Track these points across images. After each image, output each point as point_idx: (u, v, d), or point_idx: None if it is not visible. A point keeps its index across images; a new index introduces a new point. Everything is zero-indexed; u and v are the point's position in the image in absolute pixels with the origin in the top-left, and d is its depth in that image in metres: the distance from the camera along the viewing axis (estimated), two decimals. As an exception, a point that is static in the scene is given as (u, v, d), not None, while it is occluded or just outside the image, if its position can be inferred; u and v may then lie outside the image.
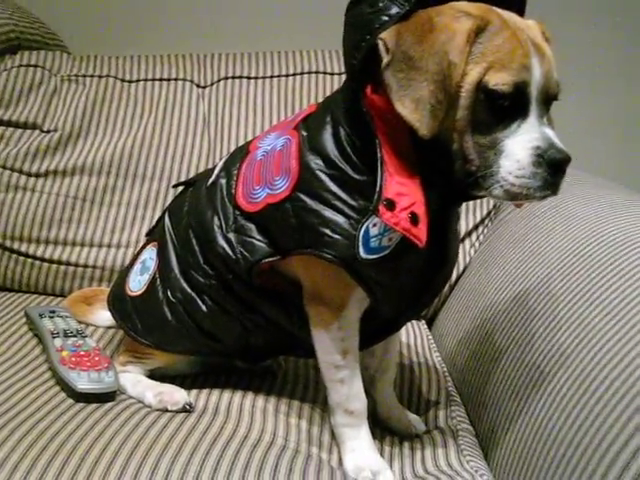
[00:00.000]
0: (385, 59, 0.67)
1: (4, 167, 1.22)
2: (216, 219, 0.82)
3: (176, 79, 1.28)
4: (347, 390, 0.80)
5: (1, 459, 0.69)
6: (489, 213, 1.26)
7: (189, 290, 0.84)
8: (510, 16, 0.70)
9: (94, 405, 0.82)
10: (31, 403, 0.81)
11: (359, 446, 0.80)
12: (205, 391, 0.89)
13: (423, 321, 1.24)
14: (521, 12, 0.75)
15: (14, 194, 1.21)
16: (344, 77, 0.78)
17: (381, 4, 0.68)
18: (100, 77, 1.27)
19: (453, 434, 0.88)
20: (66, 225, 1.20)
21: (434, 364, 1.07)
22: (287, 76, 1.30)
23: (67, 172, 1.21)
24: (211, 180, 0.86)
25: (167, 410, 0.83)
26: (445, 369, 1.07)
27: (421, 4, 0.69)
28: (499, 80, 0.65)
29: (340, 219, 0.72)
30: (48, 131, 1.23)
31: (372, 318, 0.81)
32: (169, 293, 0.86)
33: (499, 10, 0.70)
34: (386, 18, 0.67)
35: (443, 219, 0.76)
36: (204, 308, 0.84)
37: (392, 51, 0.66)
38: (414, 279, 0.78)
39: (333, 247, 0.72)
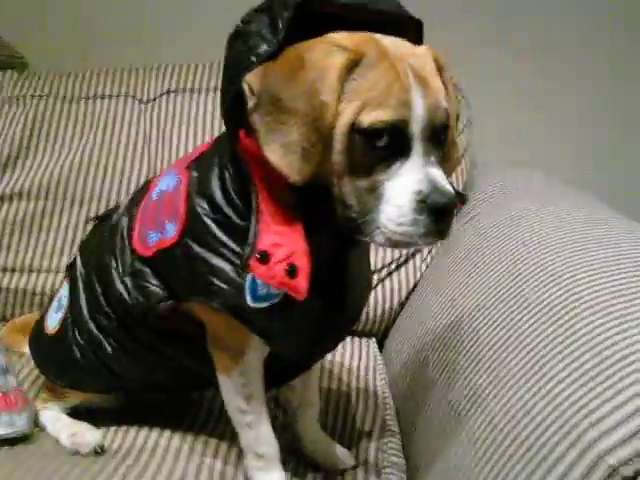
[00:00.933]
0: (250, 102, 0.63)
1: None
2: (114, 262, 0.80)
3: (118, 95, 1.25)
4: (255, 434, 0.77)
5: None
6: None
7: (96, 332, 0.82)
8: (394, 45, 0.64)
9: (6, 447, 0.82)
10: None
11: None
12: (123, 428, 0.88)
13: (373, 339, 1.21)
14: (419, 37, 0.71)
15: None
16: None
17: (251, 42, 0.64)
18: (41, 96, 1.24)
19: (378, 471, 0.86)
20: (4, 252, 1.19)
21: (375, 389, 1.03)
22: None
23: (5, 197, 1.19)
24: (114, 219, 0.84)
25: (78, 452, 0.82)
26: (387, 394, 1.03)
27: (296, 39, 0.65)
28: (374, 119, 0.60)
29: (226, 267, 0.68)
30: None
31: (278, 359, 0.78)
32: (77, 334, 0.84)
33: (382, 38, 0.64)
34: (253, 58, 0.63)
35: (340, 263, 0.73)
36: (109, 350, 0.82)
37: (257, 93, 0.62)
38: (313, 324, 0.74)
39: (220, 296, 0.69)
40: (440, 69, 0.67)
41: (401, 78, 0.61)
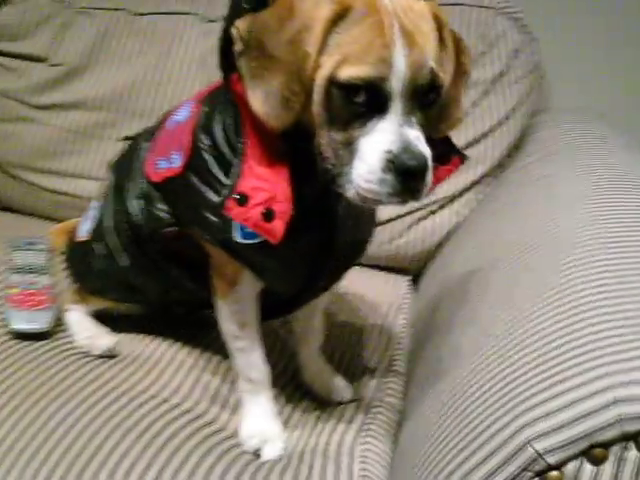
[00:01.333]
0: (237, 47, 0.63)
1: (11, 98, 1.28)
2: (130, 183, 0.84)
3: (188, 13, 1.27)
4: (246, 359, 0.81)
5: None
6: (480, 178, 1.18)
7: (112, 244, 0.87)
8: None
9: (28, 343, 0.89)
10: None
11: (256, 412, 0.81)
12: (137, 337, 0.94)
13: (408, 277, 1.20)
14: None
15: (20, 124, 1.28)
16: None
17: None
18: (110, 10, 1.28)
19: (369, 409, 0.87)
20: (66, 157, 1.26)
21: (391, 328, 1.05)
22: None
23: (69, 106, 1.26)
24: (138, 142, 0.87)
25: (91, 354, 0.89)
26: (404, 334, 1.04)
27: None
28: (351, 74, 0.60)
29: (218, 202, 0.70)
30: (54, 65, 1.27)
31: (274, 293, 0.80)
32: (98, 245, 0.89)
33: None
34: (246, 5, 0.64)
35: (328, 208, 0.72)
36: (124, 263, 0.86)
37: (245, 39, 0.63)
38: (303, 264, 0.75)
39: (211, 229, 0.71)
40: (440, 26, 0.65)
41: (385, 34, 0.60)
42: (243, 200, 0.65)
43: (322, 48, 0.60)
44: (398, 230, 1.18)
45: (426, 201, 1.16)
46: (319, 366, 0.91)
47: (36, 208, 1.30)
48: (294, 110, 0.62)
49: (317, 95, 0.61)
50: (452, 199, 1.17)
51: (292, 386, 0.90)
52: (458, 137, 1.07)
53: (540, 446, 0.52)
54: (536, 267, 0.77)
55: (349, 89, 0.60)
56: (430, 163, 0.61)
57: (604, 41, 1.32)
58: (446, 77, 0.65)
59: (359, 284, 1.11)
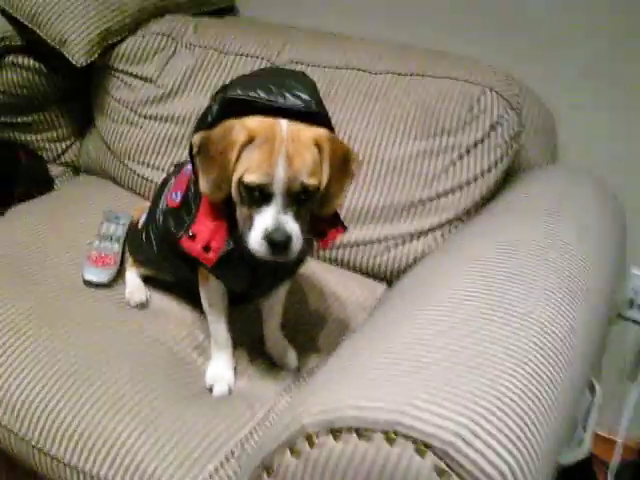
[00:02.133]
0: (194, 151, 1.01)
1: (127, 107, 1.73)
2: (160, 202, 1.23)
3: (261, 57, 1.63)
4: (214, 327, 1.21)
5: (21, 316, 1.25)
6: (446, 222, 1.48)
7: (149, 235, 1.29)
8: (289, 129, 0.97)
9: (93, 289, 1.36)
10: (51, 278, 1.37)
11: (217, 362, 1.22)
12: (164, 295, 1.37)
13: (384, 284, 1.52)
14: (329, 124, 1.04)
15: (130, 127, 1.73)
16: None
17: (203, 117, 1.03)
18: (204, 47, 1.69)
19: (301, 376, 1.25)
20: (159, 156, 1.69)
21: (349, 321, 1.39)
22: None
23: (165, 119, 1.68)
24: (171, 176, 1.27)
25: (129, 304, 1.33)
26: (356, 325, 1.38)
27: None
28: (249, 180, 0.96)
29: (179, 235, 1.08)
30: (159, 86, 1.70)
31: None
32: (143, 235, 1.31)
33: (283, 123, 0.97)
34: (202, 125, 1.02)
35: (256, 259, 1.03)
36: (155, 251, 1.28)
37: (198, 146, 1.00)
38: (243, 280, 1.14)
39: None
40: (320, 151, 0.99)
41: (273, 156, 0.95)
42: (193, 237, 1.05)
43: (237, 159, 0.97)
44: (377, 250, 1.50)
45: (407, 230, 1.49)
46: (277, 339, 1.29)
47: (134, 188, 1.76)
48: (223, 192, 0.99)
49: (234, 187, 0.98)
50: (428, 232, 1.48)
51: (255, 351, 1.30)
52: (437, 187, 1.42)
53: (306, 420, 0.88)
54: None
55: (249, 187, 0.97)
56: (294, 238, 0.96)
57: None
58: (323, 180, 0.99)
59: (337, 283, 1.47)
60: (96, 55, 1.67)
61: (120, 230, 1.50)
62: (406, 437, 0.83)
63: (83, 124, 1.90)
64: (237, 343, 1.26)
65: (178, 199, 1.14)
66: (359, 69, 1.56)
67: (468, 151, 1.44)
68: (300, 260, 1.17)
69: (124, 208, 1.59)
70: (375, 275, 1.53)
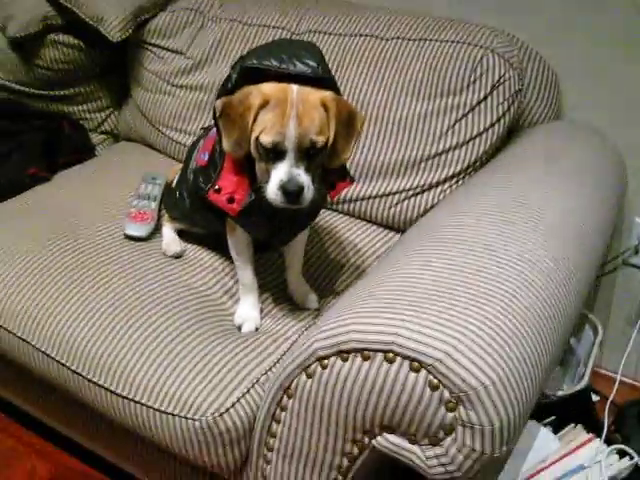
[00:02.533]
0: (217, 114, 1.15)
1: (159, 77, 1.88)
2: (191, 162, 1.39)
3: (282, 28, 1.76)
4: (241, 272, 1.36)
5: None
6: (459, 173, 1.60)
7: (182, 192, 1.45)
8: (298, 92, 1.09)
9: (133, 243, 1.52)
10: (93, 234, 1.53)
11: (244, 303, 1.37)
12: (197, 247, 1.52)
13: (399, 234, 1.65)
14: (335, 88, 1.16)
15: (163, 96, 1.88)
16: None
17: (225, 83, 1.17)
18: (229, 20, 1.82)
19: (316, 314, 1.40)
20: (190, 122, 1.84)
21: (362, 266, 1.54)
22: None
23: (194, 88, 1.83)
24: (200, 138, 1.42)
25: (166, 254, 1.49)
26: (371, 269, 1.51)
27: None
28: (264, 139, 1.09)
29: (206, 189, 1.23)
30: (188, 57, 1.84)
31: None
32: (177, 192, 1.47)
33: (294, 88, 1.10)
34: (222, 91, 1.17)
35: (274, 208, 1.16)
36: (187, 204, 1.44)
37: (220, 110, 1.14)
38: (263, 227, 1.28)
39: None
40: (327, 111, 1.11)
41: (285, 118, 1.08)
42: (218, 190, 1.20)
43: (254, 121, 1.10)
44: (391, 202, 1.63)
45: (417, 183, 1.62)
46: (299, 283, 1.43)
47: (168, 152, 1.92)
48: (243, 150, 1.14)
49: (252, 145, 1.13)
50: (437, 185, 1.61)
51: (279, 294, 1.45)
52: (445, 144, 1.54)
53: (318, 345, 1.04)
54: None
55: (264, 146, 1.10)
56: (306, 188, 1.09)
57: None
58: (331, 136, 1.12)
59: (354, 233, 1.61)
60: (130, 31, 1.82)
61: (157, 190, 1.65)
62: (403, 356, 0.98)
63: (121, 95, 2.06)
64: (263, 287, 1.41)
65: (206, 158, 1.29)
66: (371, 35, 1.68)
67: (472, 109, 1.56)
68: (314, 211, 1.31)
69: (159, 170, 1.74)
70: (389, 226, 1.67)
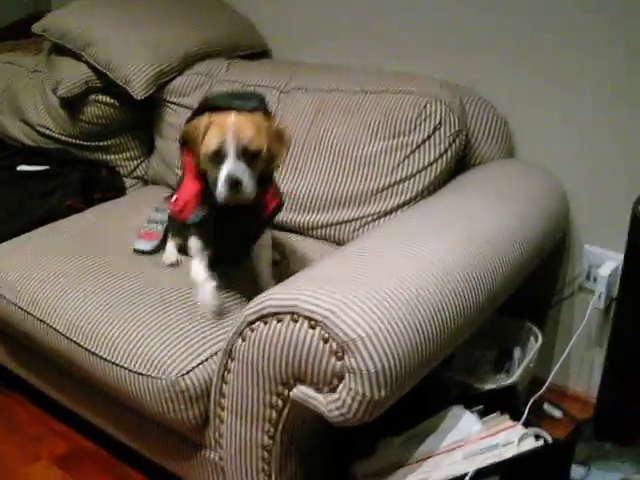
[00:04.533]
0: (179, 139, 1.53)
1: (175, 128, 2.25)
2: None
3: (266, 86, 2.14)
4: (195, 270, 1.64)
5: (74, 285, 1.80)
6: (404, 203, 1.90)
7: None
8: (236, 117, 1.42)
9: (140, 255, 1.87)
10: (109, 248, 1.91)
11: (203, 292, 1.60)
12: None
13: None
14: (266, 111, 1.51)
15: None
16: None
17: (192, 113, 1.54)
18: (232, 81, 2.21)
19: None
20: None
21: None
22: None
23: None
24: None
25: (165, 264, 1.84)
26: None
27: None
28: (209, 147, 1.42)
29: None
30: (198, 111, 2.24)
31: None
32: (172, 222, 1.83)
33: (233, 114, 1.42)
34: (189, 117, 1.53)
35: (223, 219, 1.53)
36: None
37: (180, 136, 1.51)
38: (215, 244, 1.61)
39: None
40: (258, 128, 1.43)
41: (224, 132, 1.40)
42: (175, 201, 1.55)
43: (203, 139, 1.43)
44: (355, 227, 1.93)
45: (375, 210, 1.92)
46: (266, 277, 1.70)
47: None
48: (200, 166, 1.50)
49: (202, 159, 1.46)
50: (392, 211, 1.90)
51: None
52: (396, 176, 1.85)
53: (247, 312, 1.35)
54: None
55: (210, 153, 1.42)
56: (246, 180, 1.39)
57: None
58: (264, 146, 1.43)
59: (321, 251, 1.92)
60: (152, 91, 2.24)
61: (165, 216, 2.00)
62: (303, 317, 1.28)
63: (149, 146, 2.48)
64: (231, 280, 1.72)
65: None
66: (342, 90, 2.03)
67: (418, 147, 1.87)
68: (259, 231, 1.65)
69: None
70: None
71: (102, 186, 2.29)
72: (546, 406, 2.03)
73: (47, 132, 2.44)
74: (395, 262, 1.42)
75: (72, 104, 2.34)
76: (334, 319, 1.24)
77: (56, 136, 2.42)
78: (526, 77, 1.98)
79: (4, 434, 2.03)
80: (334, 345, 1.24)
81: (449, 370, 1.77)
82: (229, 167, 1.40)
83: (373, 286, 1.32)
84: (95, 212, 2.17)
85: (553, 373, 1.83)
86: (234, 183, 1.40)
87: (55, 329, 1.70)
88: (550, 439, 1.59)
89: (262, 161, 1.46)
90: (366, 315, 1.25)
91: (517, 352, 1.91)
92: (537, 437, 1.58)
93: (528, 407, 1.63)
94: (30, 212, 2.11)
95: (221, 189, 1.42)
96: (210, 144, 1.43)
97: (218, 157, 1.42)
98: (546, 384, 1.79)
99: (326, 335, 1.25)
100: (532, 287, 1.89)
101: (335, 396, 1.26)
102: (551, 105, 1.96)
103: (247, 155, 1.42)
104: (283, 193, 1.68)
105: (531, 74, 1.97)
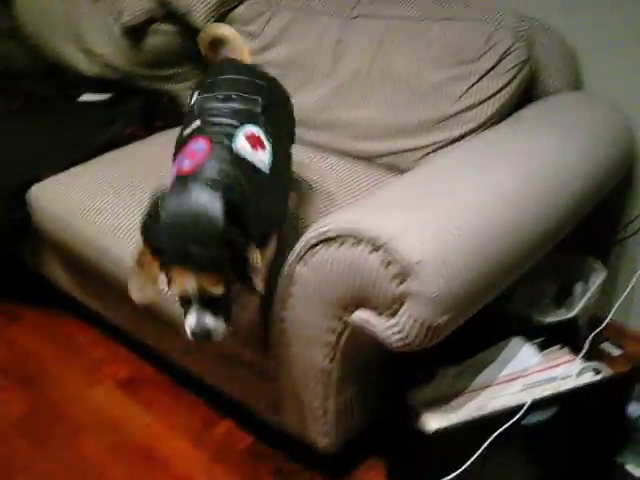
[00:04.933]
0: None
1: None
2: None
3: (330, 14, 2.11)
4: None
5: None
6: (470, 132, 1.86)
7: None
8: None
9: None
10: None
11: None
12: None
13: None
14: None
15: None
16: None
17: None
18: (294, 9, 2.17)
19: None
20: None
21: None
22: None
23: (265, 63, 2.12)
24: None
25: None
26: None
27: None
28: (175, 291, 1.24)
29: None
30: (260, 40, 2.20)
31: None
32: None
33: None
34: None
35: None
36: None
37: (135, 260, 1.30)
38: None
39: None
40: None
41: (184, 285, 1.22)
42: None
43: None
44: (418, 155, 1.90)
45: (440, 139, 1.88)
46: None
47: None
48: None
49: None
50: (455, 140, 1.86)
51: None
52: (462, 104, 1.81)
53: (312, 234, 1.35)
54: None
55: (180, 298, 1.26)
56: (212, 330, 1.25)
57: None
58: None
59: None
60: (213, 20, 2.22)
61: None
62: (365, 240, 1.27)
63: (210, 75, 2.46)
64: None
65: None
66: (407, 17, 1.99)
67: (484, 76, 1.82)
68: None
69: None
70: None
71: (163, 114, 2.30)
72: (605, 344, 2.00)
73: (109, 61, 2.45)
74: (458, 188, 1.40)
75: (134, 33, 2.34)
76: (396, 242, 1.24)
77: (118, 65, 2.43)
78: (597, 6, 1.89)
79: (66, 358, 2.11)
80: (396, 269, 1.24)
81: (510, 303, 1.75)
82: (195, 318, 1.26)
83: (436, 211, 1.31)
84: (156, 140, 2.19)
85: (614, 310, 1.79)
86: (202, 338, 1.28)
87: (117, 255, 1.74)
88: (609, 373, 1.58)
89: (231, 299, 1.31)
90: (428, 239, 1.25)
91: (579, 287, 1.88)
92: (596, 372, 1.57)
93: (588, 341, 1.61)
94: (92, 141, 2.14)
95: (189, 336, 1.29)
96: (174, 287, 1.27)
97: (186, 301, 1.28)
98: (606, 320, 1.75)
99: (388, 258, 1.24)
100: (596, 223, 1.83)
101: (395, 320, 1.27)
102: (622, 37, 1.87)
103: (211, 301, 1.27)
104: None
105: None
